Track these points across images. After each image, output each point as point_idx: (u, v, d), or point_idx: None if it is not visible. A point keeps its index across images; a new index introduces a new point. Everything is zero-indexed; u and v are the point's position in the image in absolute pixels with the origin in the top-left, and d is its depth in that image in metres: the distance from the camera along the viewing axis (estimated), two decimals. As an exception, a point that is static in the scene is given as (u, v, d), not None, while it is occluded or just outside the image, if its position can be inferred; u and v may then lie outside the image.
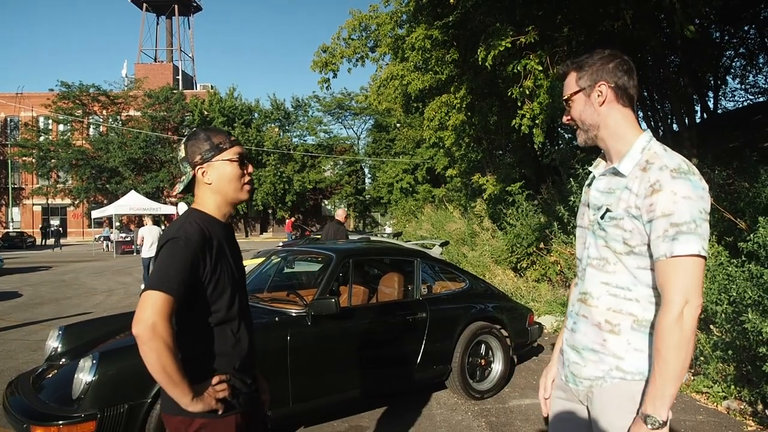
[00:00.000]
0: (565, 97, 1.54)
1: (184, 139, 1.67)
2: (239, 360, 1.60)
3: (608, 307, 1.45)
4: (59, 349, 3.47)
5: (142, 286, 12.45)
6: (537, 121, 7.88)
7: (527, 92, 7.82)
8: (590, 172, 1.61)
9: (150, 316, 1.35)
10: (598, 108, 1.48)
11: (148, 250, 10.72)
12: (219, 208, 1.63)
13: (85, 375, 2.75)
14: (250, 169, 1.67)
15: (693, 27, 6.01)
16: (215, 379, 1.50)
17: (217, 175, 1.60)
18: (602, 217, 1.47)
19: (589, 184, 1.60)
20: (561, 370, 1.62)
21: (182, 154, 1.63)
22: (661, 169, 1.34)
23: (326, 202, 43.44)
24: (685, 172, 1.33)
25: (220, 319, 1.56)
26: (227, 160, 1.61)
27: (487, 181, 13.18)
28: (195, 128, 1.69)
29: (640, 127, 1.51)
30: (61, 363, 3.38)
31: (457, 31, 9.71)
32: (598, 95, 1.48)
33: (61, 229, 34.02)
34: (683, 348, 1.30)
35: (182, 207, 13.03)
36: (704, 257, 1.31)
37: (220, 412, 1.49)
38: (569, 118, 1.56)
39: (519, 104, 8.10)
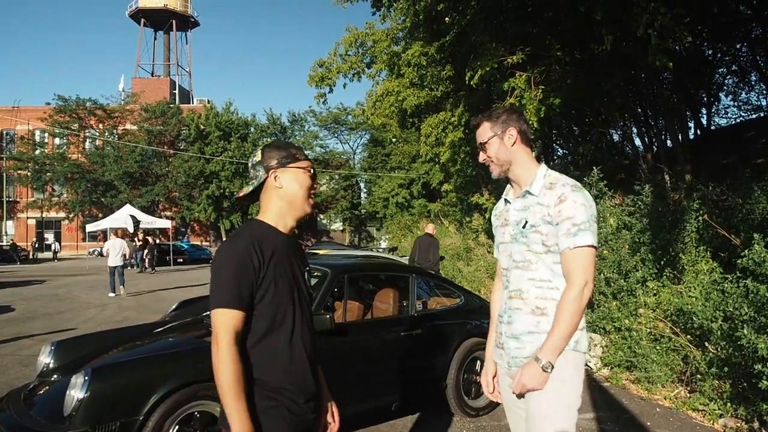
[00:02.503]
0: (484, 141, 1.95)
1: (261, 146, 1.71)
2: (293, 377, 1.56)
3: (536, 296, 1.84)
4: (51, 365, 3.44)
5: (110, 294, 12.59)
6: None
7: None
8: (505, 199, 2.01)
9: (222, 337, 1.43)
10: (510, 148, 1.92)
11: (114, 260, 12.62)
12: (282, 216, 1.65)
13: (76, 392, 2.71)
14: (316, 184, 1.72)
15: (666, 60, 6.04)
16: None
17: (289, 180, 1.64)
18: (523, 227, 1.87)
19: (504, 208, 2.02)
20: (501, 361, 1.96)
21: (258, 158, 1.66)
22: (564, 186, 1.82)
23: (321, 217, 43.43)
24: (580, 188, 1.83)
25: (271, 327, 1.54)
26: (302, 168, 1.66)
27: (486, 199, 13.22)
28: (273, 141, 1.75)
29: (538, 160, 1.98)
30: (53, 379, 3.34)
31: (453, 48, 9.83)
32: (510, 138, 1.92)
33: (57, 243, 33.84)
34: (577, 316, 1.75)
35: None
36: (596, 248, 1.78)
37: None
38: (486, 157, 1.96)
39: None
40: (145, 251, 21.83)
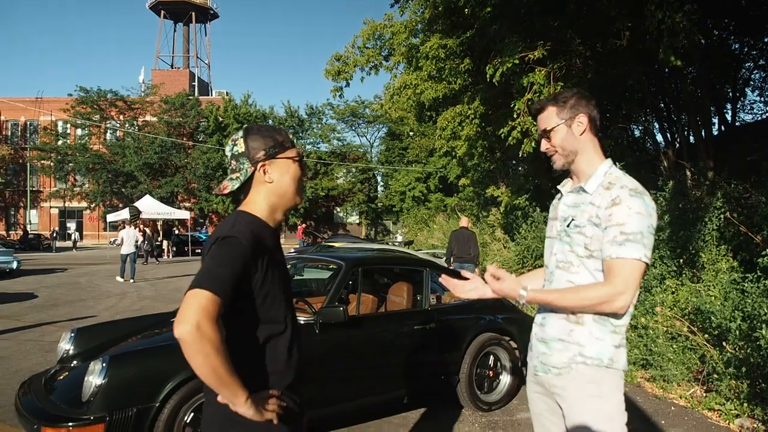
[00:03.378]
0: (548, 128, 1.75)
1: (241, 133, 1.53)
2: (290, 378, 1.49)
3: (578, 285, 1.67)
4: (71, 352, 3.53)
5: (118, 278, 13.24)
6: (532, 134, 7.92)
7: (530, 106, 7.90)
8: (558, 190, 1.85)
9: (194, 316, 1.23)
10: (578, 137, 1.72)
11: (126, 248, 13.63)
12: (272, 211, 1.52)
13: (95, 378, 2.78)
14: (306, 172, 1.60)
15: (676, 58, 6.07)
16: (267, 393, 1.41)
17: (280, 173, 1.50)
18: (568, 226, 1.72)
19: (557, 201, 1.86)
20: (530, 363, 1.85)
21: (240, 149, 1.50)
22: (622, 188, 1.61)
23: (338, 210, 43.55)
24: (641, 193, 1.61)
25: (272, 333, 1.45)
26: (291, 158, 1.52)
27: (502, 192, 13.14)
28: (251, 125, 1.57)
29: (604, 154, 1.78)
30: (72, 365, 3.42)
31: (472, 41, 9.75)
32: (579, 125, 1.72)
33: (77, 233, 34.45)
34: (586, 307, 1.61)
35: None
36: (646, 263, 1.56)
37: (275, 422, 1.39)
38: (549, 146, 1.77)
39: (515, 116, 8.15)
40: (144, 243, 22.02)
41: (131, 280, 13.45)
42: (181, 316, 1.24)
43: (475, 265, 9.18)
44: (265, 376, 1.44)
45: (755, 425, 3.87)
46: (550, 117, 1.74)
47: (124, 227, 14.67)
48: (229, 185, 1.51)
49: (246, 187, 1.52)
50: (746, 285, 4.27)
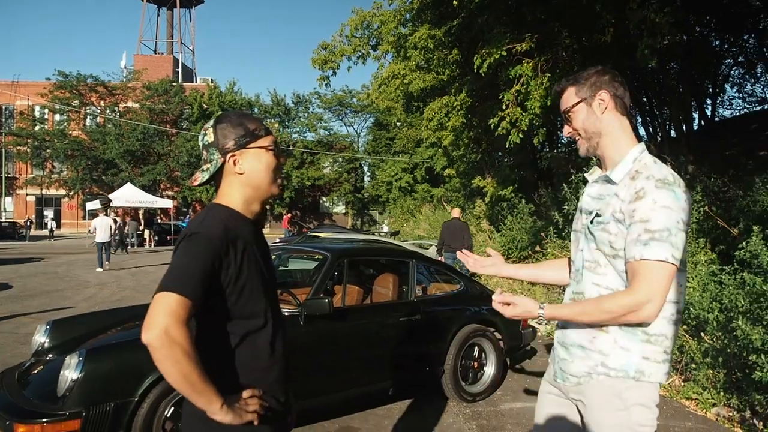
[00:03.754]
0: (567, 109, 1.60)
1: (211, 122, 1.47)
2: (275, 374, 1.43)
3: (598, 296, 1.49)
4: (46, 344, 3.43)
5: (98, 269, 13.25)
6: (520, 125, 7.96)
7: (518, 98, 7.94)
8: (585, 179, 1.69)
9: (162, 320, 1.17)
10: (601, 116, 1.55)
11: (101, 237, 13.72)
12: (247, 203, 1.45)
13: (71, 372, 2.71)
14: (283, 161, 1.52)
15: (651, 59, 6.27)
16: (247, 393, 1.34)
17: (252, 164, 1.43)
18: (591, 222, 1.54)
19: (584, 190, 1.68)
20: (551, 367, 1.68)
21: (210, 138, 1.43)
22: (648, 179, 1.42)
23: (324, 199, 43.39)
24: (669, 183, 1.41)
25: (251, 329, 1.39)
26: (263, 147, 1.44)
27: (488, 183, 13.19)
28: (223, 112, 1.50)
29: (636, 137, 1.58)
30: (47, 359, 3.33)
31: (460, 32, 9.73)
32: (600, 103, 1.55)
33: (54, 222, 33.71)
34: (609, 320, 1.43)
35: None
36: (674, 264, 1.37)
37: (255, 424, 1.33)
38: (571, 129, 1.61)
39: (504, 107, 8.18)
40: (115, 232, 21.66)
41: (100, 269, 13.51)
42: (149, 321, 1.19)
43: None
44: (246, 374, 1.38)
45: (731, 414, 3.95)
46: (569, 97, 1.60)
47: (98, 216, 14.94)
48: (200, 176, 1.45)
49: (218, 178, 1.46)
50: (724, 277, 4.35)
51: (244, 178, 1.43)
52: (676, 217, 1.38)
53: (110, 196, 24.79)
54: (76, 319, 3.92)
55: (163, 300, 1.20)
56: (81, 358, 2.73)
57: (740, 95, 15.37)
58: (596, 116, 1.55)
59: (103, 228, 13.87)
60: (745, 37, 13.05)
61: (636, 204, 1.41)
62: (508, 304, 1.55)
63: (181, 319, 1.20)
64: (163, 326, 1.17)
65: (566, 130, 1.64)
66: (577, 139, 1.61)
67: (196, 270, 1.26)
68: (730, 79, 15.01)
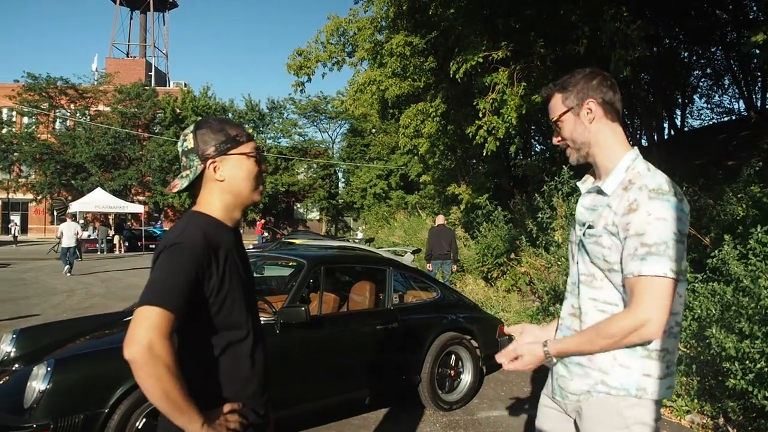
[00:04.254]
0: (554, 118, 1.54)
1: (191, 127, 1.43)
2: (254, 386, 1.40)
3: (597, 321, 1.44)
4: (12, 354, 3.31)
5: (67, 274, 13.05)
6: (497, 134, 8.06)
7: (493, 105, 8.05)
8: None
9: (145, 335, 1.14)
10: (589, 126, 1.49)
11: (66, 241, 13.87)
12: (228, 210, 1.42)
13: (38, 383, 2.60)
14: (264, 167, 1.50)
15: (623, 70, 6.45)
16: (227, 407, 1.32)
17: (232, 171, 1.39)
18: (584, 234, 1.48)
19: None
20: (549, 382, 1.62)
21: (189, 144, 1.39)
22: (641, 189, 1.36)
23: (299, 205, 43.12)
24: (663, 192, 1.34)
25: (232, 339, 1.36)
26: (245, 154, 1.41)
27: (463, 190, 13.28)
28: (204, 118, 1.47)
29: (628, 143, 1.52)
30: (14, 369, 3.21)
31: (437, 39, 9.81)
32: (588, 112, 1.48)
33: (17, 227, 32.58)
34: (611, 345, 1.37)
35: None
36: (673, 278, 1.31)
37: None
38: (560, 138, 1.55)
39: (480, 115, 8.28)
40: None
41: (68, 274, 13.31)
42: (131, 336, 1.16)
43: (454, 262, 9.25)
44: (227, 386, 1.35)
45: (704, 421, 4.02)
46: (556, 105, 1.53)
47: (66, 221, 15.04)
48: (179, 183, 1.41)
49: (197, 185, 1.42)
50: (696, 285, 4.42)
51: (225, 185, 1.40)
52: (673, 228, 1.32)
53: (81, 200, 24.19)
54: (44, 328, 3.80)
55: (145, 314, 1.17)
56: (49, 369, 2.63)
57: (709, 106, 15.87)
58: (584, 126, 1.49)
59: (69, 232, 14.01)
60: (713, 50, 13.48)
61: (630, 217, 1.35)
62: (517, 358, 1.50)
63: (164, 334, 1.17)
64: (146, 342, 1.14)
65: (555, 139, 1.59)
66: (566, 148, 1.56)
67: (179, 282, 1.23)
68: (699, 90, 15.49)
